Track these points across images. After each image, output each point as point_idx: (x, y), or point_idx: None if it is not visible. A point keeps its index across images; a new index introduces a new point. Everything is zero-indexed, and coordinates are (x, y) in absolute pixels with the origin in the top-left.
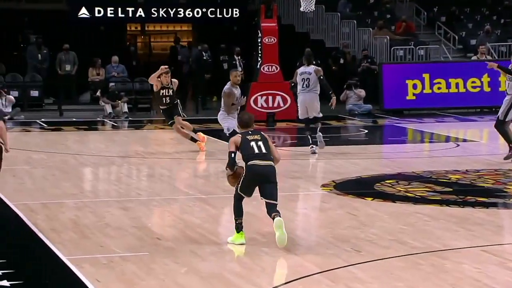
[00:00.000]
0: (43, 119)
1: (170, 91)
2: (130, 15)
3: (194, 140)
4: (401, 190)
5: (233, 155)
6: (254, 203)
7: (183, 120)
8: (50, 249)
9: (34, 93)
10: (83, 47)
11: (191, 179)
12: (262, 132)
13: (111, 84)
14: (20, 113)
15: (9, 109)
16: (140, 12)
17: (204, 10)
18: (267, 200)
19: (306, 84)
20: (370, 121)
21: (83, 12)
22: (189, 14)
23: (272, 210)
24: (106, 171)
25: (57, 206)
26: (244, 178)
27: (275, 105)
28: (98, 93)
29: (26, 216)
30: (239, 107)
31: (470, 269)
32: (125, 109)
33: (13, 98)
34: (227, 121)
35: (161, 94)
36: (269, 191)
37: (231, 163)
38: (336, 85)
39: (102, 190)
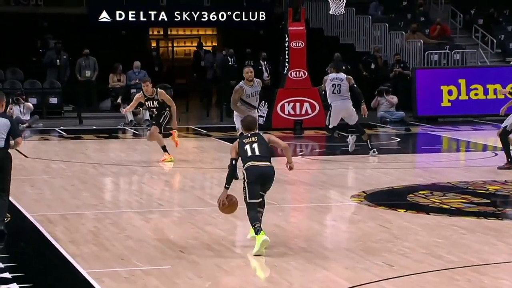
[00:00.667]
0: (62, 127)
1: (155, 102)
2: (153, 19)
3: (164, 149)
4: (435, 202)
5: (233, 162)
6: (280, 214)
7: (159, 133)
8: (69, 262)
9: (53, 100)
10: (104, 52)
11: (215, 189)
12: (261, 134)
13: (133, 90)
14: (39, 121)
15: (27, 117)
16: (163, 15)
17: (229, 13)
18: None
19: (337, 90)
20: (402, 129)
21: (104, 16)
22: (213, 17)
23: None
24: (127, 181)
25: (76, 217)
26: (247, 183)
27: (303, 112)
28: (119, 100)
29: (45, 227)
30: (255, 109)
31: (509, 284)
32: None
33: (31, 105)
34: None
35: (147, 106)
36: (264, 190)
37: (231, 170)
38: (367, 92)
39: (123, 201)
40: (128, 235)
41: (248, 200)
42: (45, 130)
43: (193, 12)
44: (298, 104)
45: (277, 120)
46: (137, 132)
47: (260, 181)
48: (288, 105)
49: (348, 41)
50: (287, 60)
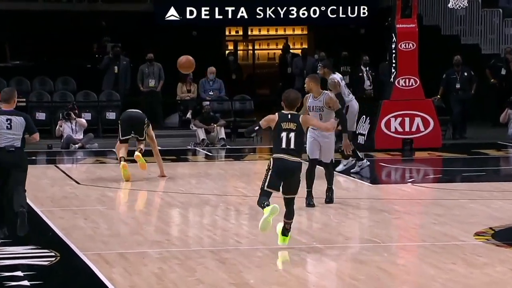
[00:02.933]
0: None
1: None
2: (230, 16)
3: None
4: None
5: (256, 128)
6: (385, 255)
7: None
8: None
9: (111, 115)
10: (171, 57)
11: (305, 224)
12: (300, 118)
13: (205, 103)
14: (94, 140)
15: (80, 135)
16: (242, 12)
17: (322, 8)
18: (286, 196)
19: (349, 92)
20: None
21: (172, 14)
22: (303, 14)
23: (288, 205)
24: (197, 212)
25: (137, 256)
26: (270, 172)
27: (413, 129)
28: (189, 115)
29: (100, 269)
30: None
31: None
32: (222, 134)
33: (84, 121)
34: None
35: None
36: (289, 187)
37: (250, 130)
38: (495, 103)
39: (193, 237)
40: (199, 278)
41: (265, 188)
42: (100, 151)
43: (279, 8)
44: (407, 119)
45: (381, 139)
46: (210, 154)
47: (283, 175)
48: (395, 120)
49: (471, 41)
50: (394, 65)
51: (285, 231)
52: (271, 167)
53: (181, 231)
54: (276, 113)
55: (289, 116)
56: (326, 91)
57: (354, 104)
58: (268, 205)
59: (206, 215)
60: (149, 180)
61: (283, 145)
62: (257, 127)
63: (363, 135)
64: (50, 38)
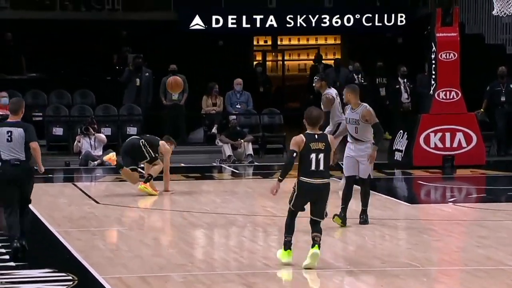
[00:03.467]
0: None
1: None
2: (258, 25)
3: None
4: None
5: (294, 154)
6: (425, 280)
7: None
8: None
9: (132, 130)
10: (196, 69)
11: (339, 246)
12: (327, 137)
13: (232, 117)
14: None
15: (100, 152)
16: (271, 21)
17: (357, 16)
18: (313, 218)
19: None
20: None
21: (197, 23)
22: (336, 22)
23: (315, 227)
24: (223, 233)
25: (160, 280)
26: (296, 194)
27: (455, 145)
28: (214, 130)
29: None
30: (356, 142)
31: None
32: (250, 150)
33: (104, 137)
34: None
35: None
36: (318, 210)
37: (289, 164)
38: None
39: (219, 260)
40: None
41: (291, 207)
42: None
43: (310, 16)
44: (448, 135)
45: (420, 156)
46: (237, 171)
47: (310, 197)
48: (435, 135)
49: None
50: (433, 76)
51: (315, 243)
52: (297, 190)
53: (206, 253)
54: (301, 134)
55: (316, 136)
56: (365, 104)
57: (344, 126)
58: (289, 245)
59: (232, 236)
60: (172, 199)
61: (313, 167)
62: (294, 154)
63: (401, 151)
64: (67, 49)
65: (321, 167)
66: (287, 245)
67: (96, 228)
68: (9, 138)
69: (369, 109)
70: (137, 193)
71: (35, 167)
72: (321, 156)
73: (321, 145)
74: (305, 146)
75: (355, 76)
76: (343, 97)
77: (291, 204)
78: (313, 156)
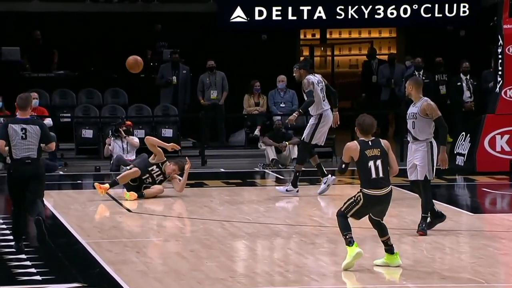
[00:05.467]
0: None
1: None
2: (305, 17)
3: None
4: None
5: (343, 166)
6: None
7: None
8: None
9: (167, 133)
10: (236, 65)
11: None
12: (382, 142)
13: (276, 118)
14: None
15: (132, 156)
16: (320, 12)
17: (415, 7)
18: (374, 218)
19: (324, 96)
20: None
21: (238, 15)
22: (392, 14)
23: (378, 223)
24: (267, 245)
25: None
26: (359, 206)
27: None
28: (257, 132)
29: None
30: (416, 141)
31: None
32: (295, 154)
33: (137, 140)
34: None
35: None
36: (379, 213)
37: (340, 169)
38: None
39: (262, 274)
40: None
41: (348, 214)
42: None
43: (363, 7)
44: None
45: (484, 160)
46: (281, 177)
47: (375, 209)
48: (501, 138)
49: None
50: (500, 73)
51: (391, 249)
52: (360, 202)
53: (248, 267)
54: (355, 141)
55: (370, 142)
56: (426, 98)
57: (329, 115)
58: (353, 241)
59: (276, 249)
60: (211, 207)
61: (373, 175)
62: (344, 165)
63: (463, 155)
64: (98, 44)
65: (381, 174)
66: (351, 241)
67: (128, 239)
68: (24, 135)
69: (430, 103)
70: (173, 202)
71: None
72: (379, 162)
73: (377, 151)
74: (361, 154)
75: (416, 73)
76: (405, 90)
77: (351, 212)
78: (371, 163)
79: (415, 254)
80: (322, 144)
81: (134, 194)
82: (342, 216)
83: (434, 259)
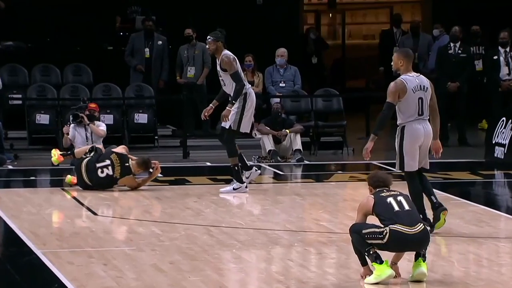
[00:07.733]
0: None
1: None
2: None
3: None
4: None
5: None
6: None
7: None
8: None
9: (141, 118)
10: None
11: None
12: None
13: (274, 100)
14: None
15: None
16: None
17: None
18: None
19: None
20: None
21: None
22: None
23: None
24: (263, 256)
25: None
26: (382, 244)
27: None
28: None
29: None
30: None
31: None
32: (298, 145)
33: (103, 128)
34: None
35: None
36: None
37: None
38: None
39: None
40: None
41: (370, 253)
42: None
43: None
44: None
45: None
46: (281, 172)
47: (404, 250)
48: None
49: None
50: None
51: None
52: (384, 240)
53: (240, 282)
54: (368, 197)
55: (385, 190)
56: (404, 76)
57: (252, 94)
58: (380, 257)
59: (275, 260)
60: (194, 210)
61: (396, 208)
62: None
63: (503, 145)
64: (56, 10)
65: (406, 207)
66: (378, 257)
67: (93, 248)
68: None
69: (391, 84)
70: (149, 203)
71: None
72: (401, 198)
73: (394, 191)
74: (377, 200)
75: (451, 45)
76: (392, 64)
77: (371, 248)
78: (390, 199)
79: (444, 267)
80: (253, 135)
81: (75, 179)
82: (356, 237)
83: (468, 273)
